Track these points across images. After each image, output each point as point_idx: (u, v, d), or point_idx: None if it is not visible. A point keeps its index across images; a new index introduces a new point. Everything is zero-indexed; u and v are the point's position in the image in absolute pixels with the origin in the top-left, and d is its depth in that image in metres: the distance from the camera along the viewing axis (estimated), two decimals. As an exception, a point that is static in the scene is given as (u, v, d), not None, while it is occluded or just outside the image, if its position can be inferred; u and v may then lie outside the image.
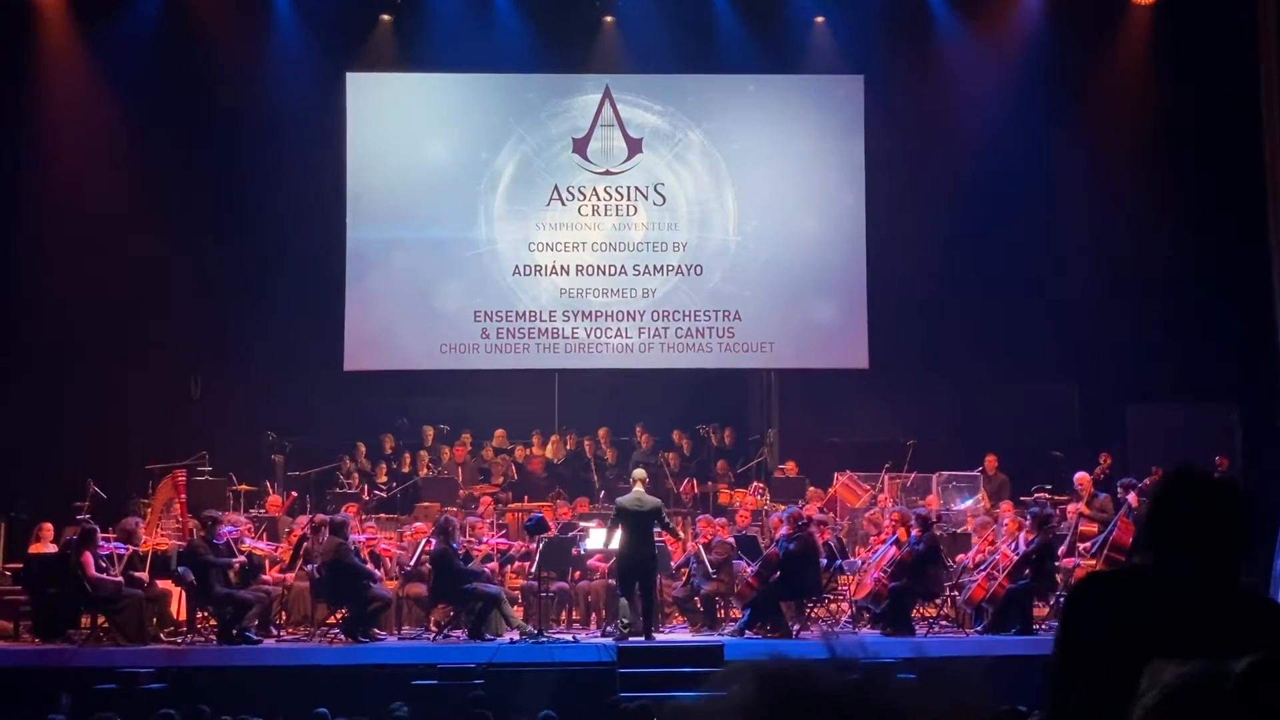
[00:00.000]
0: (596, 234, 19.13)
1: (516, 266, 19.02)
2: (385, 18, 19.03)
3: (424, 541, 14.43)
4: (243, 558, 13.83)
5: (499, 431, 18.77)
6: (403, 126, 19.23)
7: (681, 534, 14.77)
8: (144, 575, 13.86)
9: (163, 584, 14.07)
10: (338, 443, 18.23)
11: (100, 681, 12.03)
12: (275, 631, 14.23)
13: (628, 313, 19.08)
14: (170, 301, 18.33)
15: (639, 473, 14.47)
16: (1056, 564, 14.43)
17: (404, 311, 19.06)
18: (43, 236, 18.07)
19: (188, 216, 18.41)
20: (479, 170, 19.17)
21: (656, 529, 13.81)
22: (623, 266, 19.10)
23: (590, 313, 19.08)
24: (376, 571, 14.08)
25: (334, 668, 12.74)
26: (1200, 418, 17.96)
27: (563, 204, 19.14)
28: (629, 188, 19.10)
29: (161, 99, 18.36)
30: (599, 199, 19.14)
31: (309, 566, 14.23)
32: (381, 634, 13.99)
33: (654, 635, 13.41)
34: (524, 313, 18.91)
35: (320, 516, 15.08)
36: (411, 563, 14.55)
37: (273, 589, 14.29)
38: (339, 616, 13.91)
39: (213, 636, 13.65)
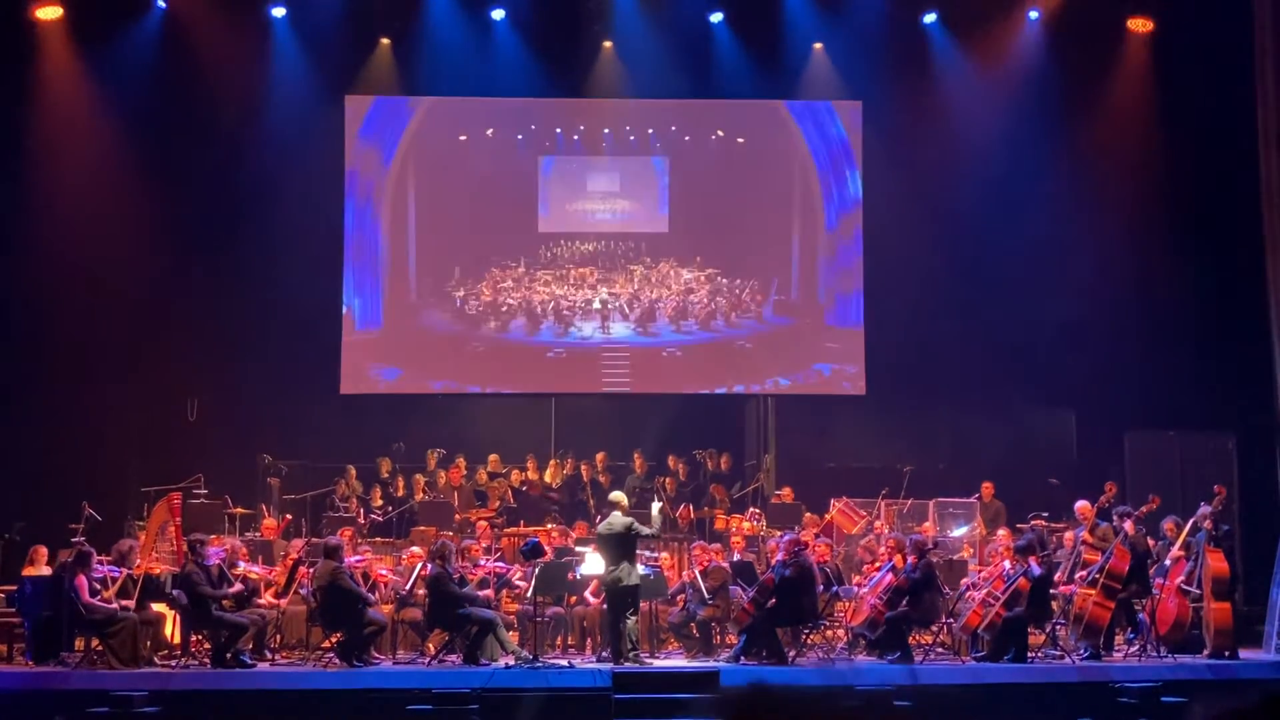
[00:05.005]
0: (593, 260, 19.19)
1: (514, 291, 19.04)
2: (384, 41, 19.07)
3: (420, 566, 14.39)
4: (239, 586, 13.74)
5: (493, 457, 18.73)
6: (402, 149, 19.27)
7: (651, 528, 14.00)
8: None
9: (157, 607, 14.00)
10: (333, 466, 18.20)
11: (94, 705, 11.97)
12: (270, 655, 14.16)
13: (627, 337, 19.10)
14: (168, 324, 18.32)
15: (614, 495, 14.41)
16: (1053, 591, 14.39)
17: (400, 334, 19.08)
18: (41, 259, 18.05)
19: (186, 239, 18.43)
20: (478, 195, 19.24)
21: (641, 547, 13.76)
22: (621, 291, 19.14)
23: (587, 338, 19.11)
24: (371, 596, 14.03)
25: (329, 692, 12.67)
26: (1198, 446, 17.95)
27: (560, 228, 19.24)
28: (627, 214, 19.16)
29: (161, 121, 18.38)
30: (597, 225, 19.25)
31: (304, 590, 14.18)
32: (377, 658, 13.93)
33: (624, 661, 13.28)
34: (521, 337, 18.92)
35: (315, 540, 15.03)
36: (407, 587, 14.51)
37: (267, 612, 14.22)
38: (334, 640, 13.85)
39: (207, 660, 13.58)
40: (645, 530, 13.84)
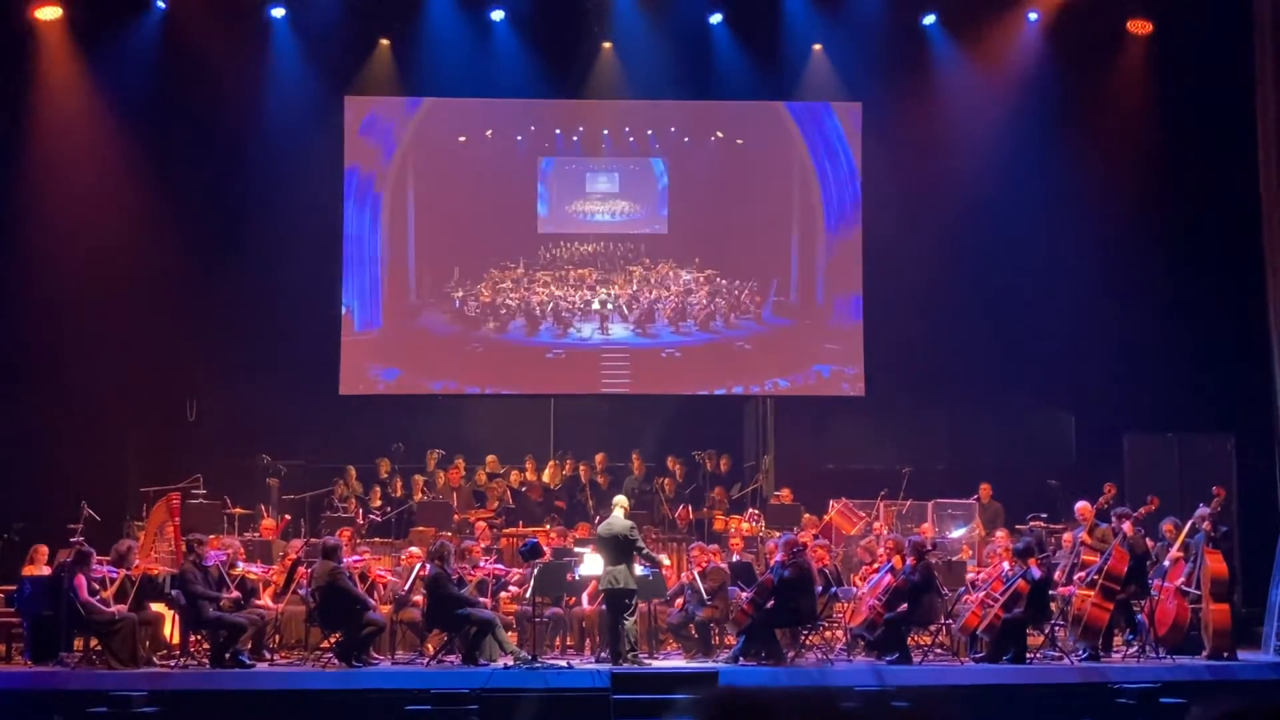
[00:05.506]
0: (593, 261, 19.21)
1: (513, 292, 19.06)
2: (384, 42, 19.06)
3: (418, 566, 14.39)
4: (236, 593, 13.72)
5: (491, 457, 18.72)
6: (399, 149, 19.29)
7: (652, 559, 14.18)
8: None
9: (156, 607, 14.00)
10: (333, 467, 18.20)
11: (93, 705, 11.97)
12: (269, 655, 14.16)
13: (626, 338, 19.11)
14: (167, 324, 18.31)
15: (618, 498, 14.44)
16: (1052, 593, 14.39)
17: (400, 335, 19.08)
18: (40, 259, 18.05)
19: (185, 239, 18.41)
20: (477, 195, 19.25)
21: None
22: (620, 292, 19.15)
23: (586, 339, 19.11)
24: (369, 599, 14.02)
25: (327, 692, 12.69)
26: (1197, 447, 17.95)
27: (559, 229, 19.26)
28: (626, 215, 19.18)
29: (161, 121, 18.38)
30: (596, 226, 19.28)
31: (303, 591, 14.18)
32: (376, 658, 13.93)
33: (622, 661, 13.30)
34: (520, 338, 18.94)
35: (314, 540, 15.04)
36: (406, 588, 14.50)
37: (266, 613, 14.23)
38: (333, 641, 13.86)
39: (205, 660, 13.59)
40: (644, 548, 13.90)
